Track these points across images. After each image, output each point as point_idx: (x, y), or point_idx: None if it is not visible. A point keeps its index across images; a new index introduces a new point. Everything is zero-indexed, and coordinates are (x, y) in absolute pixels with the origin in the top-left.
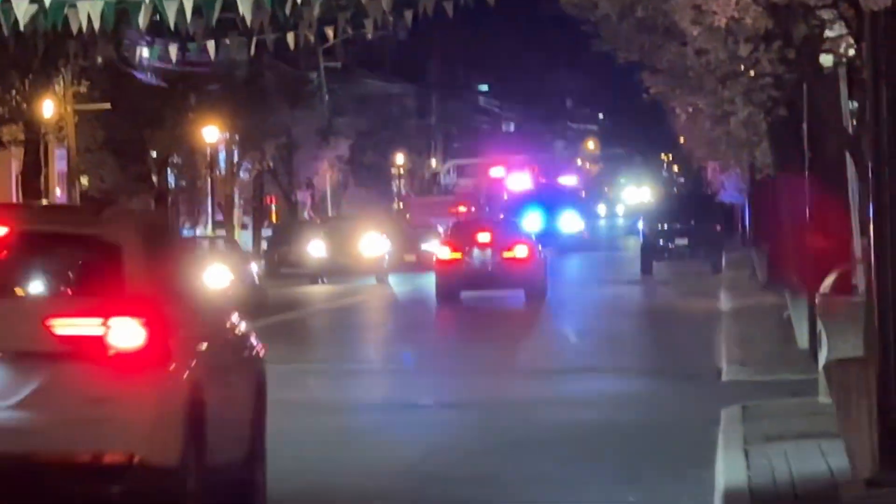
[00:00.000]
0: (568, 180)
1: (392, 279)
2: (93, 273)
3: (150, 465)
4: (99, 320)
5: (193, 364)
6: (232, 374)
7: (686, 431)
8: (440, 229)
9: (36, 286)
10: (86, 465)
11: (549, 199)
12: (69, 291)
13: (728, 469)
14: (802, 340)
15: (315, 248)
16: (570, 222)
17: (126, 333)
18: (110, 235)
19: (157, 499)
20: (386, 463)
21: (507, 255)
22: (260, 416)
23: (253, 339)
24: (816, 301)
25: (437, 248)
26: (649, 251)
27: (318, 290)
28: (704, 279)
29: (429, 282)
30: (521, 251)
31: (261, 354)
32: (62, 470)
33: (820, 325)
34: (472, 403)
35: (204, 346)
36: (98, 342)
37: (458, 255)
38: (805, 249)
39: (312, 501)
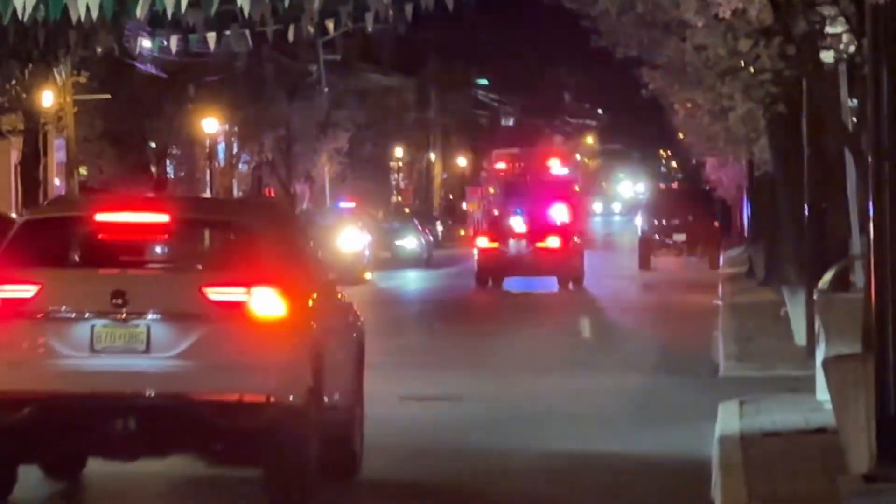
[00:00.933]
0: (559, 171)
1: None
2: (236, 252)
3: (281, 404)
4: (243, 289)
5: (314, 324)
6: (341, 333)
7: (684, 421)
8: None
9: (192, 262)
10: (231, 404)
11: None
12: (222, 266)
13: (724, 458)
14: (800, 337)
15: None
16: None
17: (264, 299)
18: (246, 221)
19: (287, 430)
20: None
21: (540, 244)
22: (360, 368)
23: (354, 306)
24: (815, 298)
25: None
26: (647, 246)
27: None
28: (702, 275)
29: (405, 278)
30: (554, 241)
31: (360, 319)
32: (212, 407)
33: (818, 322)
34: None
35: (321, 309)
36: (241, 306)
37: (495, 245)
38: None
39: None
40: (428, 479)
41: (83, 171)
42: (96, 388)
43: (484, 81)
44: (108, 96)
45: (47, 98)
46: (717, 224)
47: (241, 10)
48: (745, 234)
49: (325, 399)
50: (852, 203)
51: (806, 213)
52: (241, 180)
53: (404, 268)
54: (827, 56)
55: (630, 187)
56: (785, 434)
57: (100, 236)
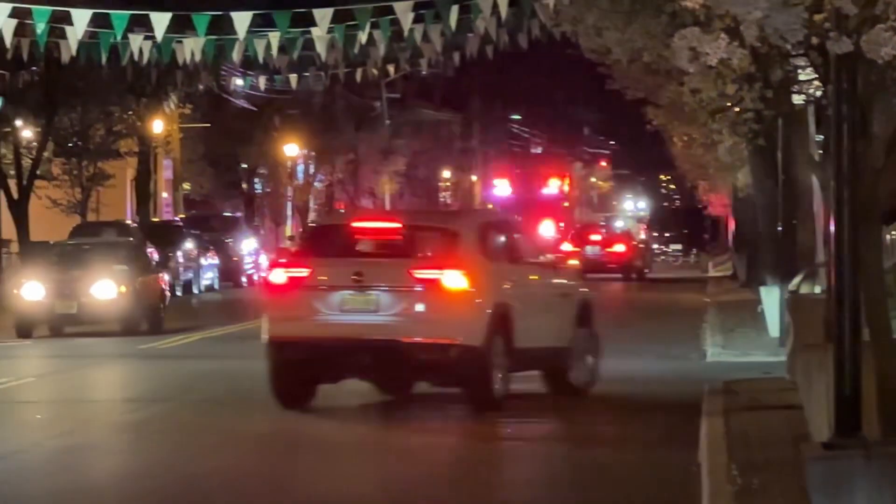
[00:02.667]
0: (550, 190)
1: None
2: (439, 246)
3: (464, 345)
4: (438, 271)
5: (495, 292)
6: (546, 300)
7: (676, 399)
8: None
9: (408, 253)
10: (428, 344)
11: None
12: (425, 256)
13: (710, 429)
14: (773, 329)
15: None
16: (548, 229)
17: (451, 278)
18: (448, 226)
19: (468, 362)
20: None
21: (609, 249)
22: (576, 321)
23: (573, 282)
24: (786, 297)
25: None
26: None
27: None
28: (693, 278)
29: None
30: (619, 247)
31: (580, 289)
32: (416, 347)
33: (788, 317)
34: None
35: (507, 283)
36: (436, 282)
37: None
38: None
39: None
40: None
41: (186, 186)
42: (344, 335)
43: (517, 116)
44: (208, 125)
45: (158, 126)
46: (707, 236)
47: (319, 56)
48: (730, 244)
49: (518, 343)
50: (817, 220)
51: (780, 228)
52: (317, 196)
53: None
54: (798, 99)
55: (633, 206)
56: (760, 409)
57: (350, 237)
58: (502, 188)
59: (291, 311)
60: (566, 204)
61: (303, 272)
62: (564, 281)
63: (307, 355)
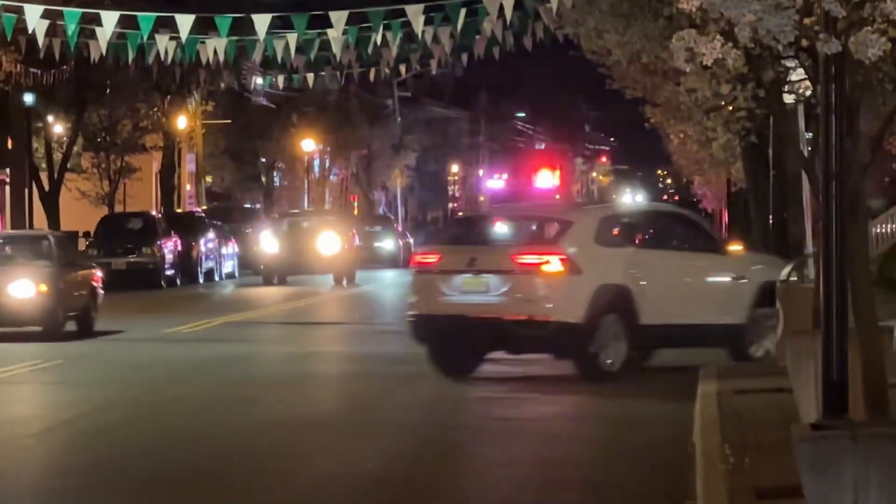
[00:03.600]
0: (543, 183)
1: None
2: (552, 235)
3: (562, 321)
4: (540, 257)
5: (606, 275)
6: (692, 281)
7: (672, 382)
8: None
9: (518, 241)
10: (530, 320)
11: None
12: (531, 243)
13: (704, 411)
14: None
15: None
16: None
17: (552, 263)
18: (568, 217)
19: (568, 338)
20: None
21: None
22: (758, 305)
23: (750, 266)
24: (777, 287)
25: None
26: None
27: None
28: None
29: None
30: None
31: (759, 273)
32: (520, 323)
33: (779, 305)
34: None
35: (629, 267)
36: (536, 266)
37: None
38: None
39: None
40: None
41: (208, 179)
42: (462, 313)
43: (522, 114)
44: (229, 121)
45: (182, 122)
46: None
47: (334, 56)
48: (724, 236)
49: (643, 319)
50: (807, 213)
51: (771, 220)
52: (332, 189)
53: (381, 267)
54: (789, 98)
55: (631, 199)
56: (752, 393)
57: (474, 227)
58: (496, 181)
59: (425, 292)
60: (558, 197)
61: (433, 259)
62: (730, 266)
63: (437, 331)
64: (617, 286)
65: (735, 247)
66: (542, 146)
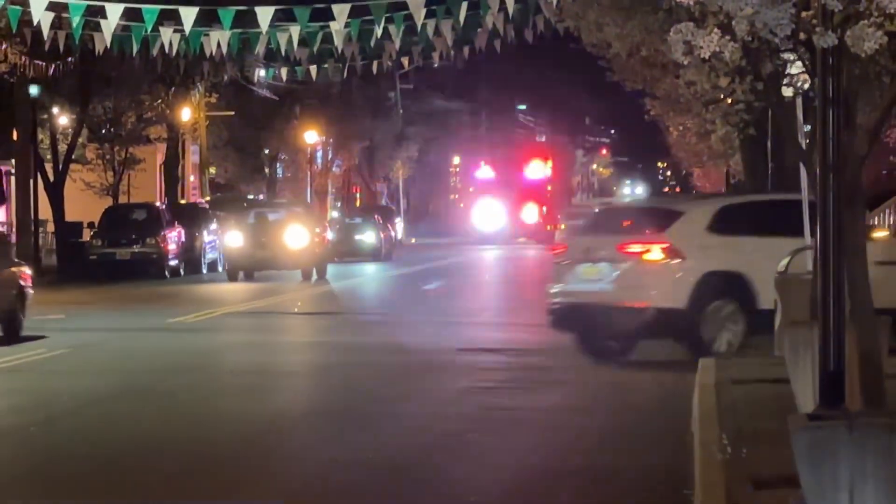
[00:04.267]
0: (533, 173)
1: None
2: (662, 226)
3: (662, 308)
4: (644, 246)
5: (717, 262)
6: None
7: (672, 372)
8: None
9: (628, 232)
10: (632, 307)
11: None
12: (640, 234)
13: (702, 401)
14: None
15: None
16: (531, 213)
17: (653, 252)
18: (679, 208)
19: (670, 323)
20: None
21: None
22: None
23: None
24: (775, 277)
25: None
26: None
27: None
28: None
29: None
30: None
31: None
32: (625, 309)
33: (776, 295)
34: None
35: (744, 255)
36: (640, 255)
37: None
38: None
39: None
40: None
41: (212, 170)
42: (580, 300)
43: (523, 106)
44: (232, 113)
45: (185, 113)
46: None
47: (337, 48)
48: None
49: (760, 304)
50: (804, 204)
51: None
52: (334, 180)
53: (362, 260)
54: (787, 91)
55: (631, 191)
56: (749, 383)
57: (597, 220)
58: (485, 171)
59: (557, 280)
60: (549, 188)
61: (561, 250)
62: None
63: (569, 317)
64: (729, 273)
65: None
66: (543, 138)
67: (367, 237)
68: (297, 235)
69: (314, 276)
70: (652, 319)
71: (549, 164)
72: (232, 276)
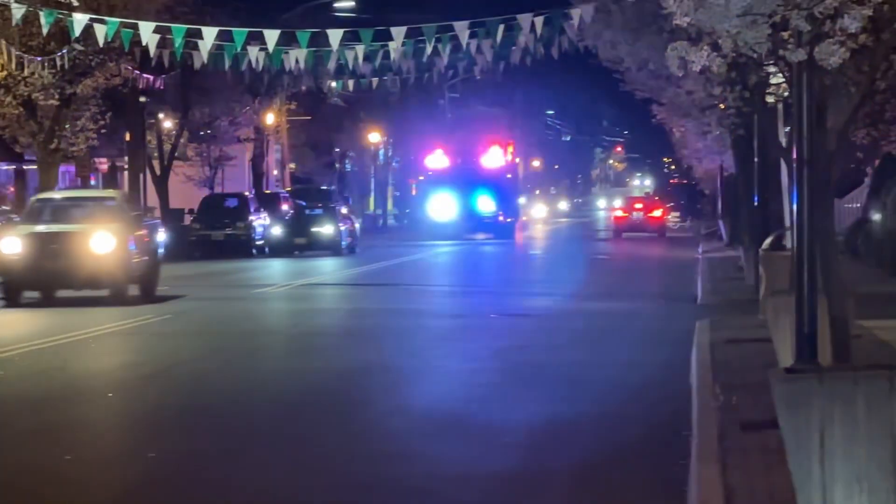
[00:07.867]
0: (490, 162)
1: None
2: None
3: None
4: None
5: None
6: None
7: (674, 333)
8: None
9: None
10: None
11: (468, 180)
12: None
13: (699, 356)
14: (750, 279)
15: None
16: (487, 204)
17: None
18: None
19: None
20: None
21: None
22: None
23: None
24: (760, 254)
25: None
26: None
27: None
28: (688, 238)
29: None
30: (657, 212)
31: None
32: None
33: (761, 270)
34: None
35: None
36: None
37: (626, 214)
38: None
39: None
40: None
41: (292, 166)
42: None
43: (551, 112)
44: (309, 117)
45: (270, 118)
46: (699, 206)
47: (395, 64)
48: (718, 212)
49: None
50: (785, 193)
51: (756, 199)
52: (394, 174)
53: (320, 255)
54: (770, 98)
55: (640, 182)
56: (740, 342)
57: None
58: (438, 159)
59: None
60: (509, 175)
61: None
62: None
63: None
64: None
65: None
66: (568, 138)
67: (325, 229)
68: (102, 241)
69: (135, 295)
70: None
71: (511, 149)
72: (11, 300)
